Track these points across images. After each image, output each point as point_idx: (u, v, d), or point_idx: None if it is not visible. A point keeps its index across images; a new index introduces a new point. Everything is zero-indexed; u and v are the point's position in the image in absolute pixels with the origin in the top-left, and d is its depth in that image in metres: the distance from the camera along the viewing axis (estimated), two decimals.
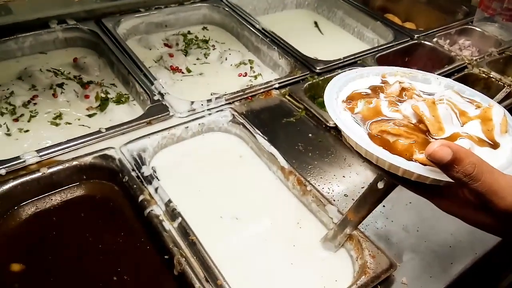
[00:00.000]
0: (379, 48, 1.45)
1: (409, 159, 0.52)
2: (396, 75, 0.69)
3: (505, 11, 1.63)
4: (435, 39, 1.54)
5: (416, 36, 1.53)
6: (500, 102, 1.35)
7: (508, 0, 1.60)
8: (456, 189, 0.53)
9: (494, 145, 0.55)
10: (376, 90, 0.63)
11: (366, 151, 0.54)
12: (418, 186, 0.54)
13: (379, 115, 0.58)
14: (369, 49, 1.44)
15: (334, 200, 0.94)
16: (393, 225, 0.90)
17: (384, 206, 0.93)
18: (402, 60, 1.49)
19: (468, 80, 1.43)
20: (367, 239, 0.84)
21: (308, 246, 0.86)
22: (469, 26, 1.65)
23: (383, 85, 0.65)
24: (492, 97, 1.39)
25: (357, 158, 1.04)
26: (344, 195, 0.96)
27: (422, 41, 1.51)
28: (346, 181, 1.00)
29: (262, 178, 1.01)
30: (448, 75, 1.39)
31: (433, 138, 0.54)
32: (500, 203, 0.45)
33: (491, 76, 1.41)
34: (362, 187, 0.98)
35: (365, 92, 0.63)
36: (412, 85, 0.65)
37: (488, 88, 1.42)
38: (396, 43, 1.49)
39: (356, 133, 0.56)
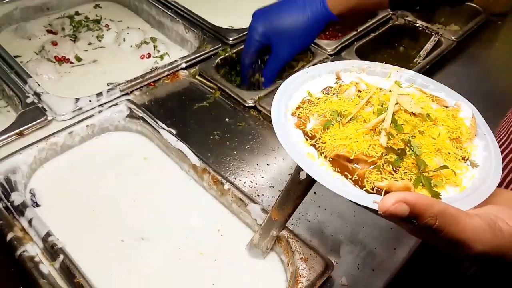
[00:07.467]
0: None
1: (369, 187, 0.46)
2: (352, 71, 0.62)
3: None
4: None
5: None
6: (429, 52, 1.26)
7: None
8: None
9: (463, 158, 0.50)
10: (330, 94, 0.56)
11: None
12: None
13: None
14: None
15: (258, 196, 0.80)
16: (327, 214, 0.78)
17: (315, 192, 0.81)
18: None
19: (395, 32, 1.33)
20: (297, 238, 0.71)
21: (232, 258, 0.72)
22: None
23: (337, 85, 0.58)
24: (421, 47, 1.31)
25: None
26: (270, 186, 0.82)
27: None
28: (271, 169, 0.86)
29: (173, 182, 0.84)
30: (373, 29, 1.27)
31: None
32: (467, 251, 0.41)
33: (417, 24, 1.31)
34: (289, 174, 0.85)
35: (318, 98, 0.55)
36: (369, 85, 0.59)
37: (416, 38, 1.33)
38: None
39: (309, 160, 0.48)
